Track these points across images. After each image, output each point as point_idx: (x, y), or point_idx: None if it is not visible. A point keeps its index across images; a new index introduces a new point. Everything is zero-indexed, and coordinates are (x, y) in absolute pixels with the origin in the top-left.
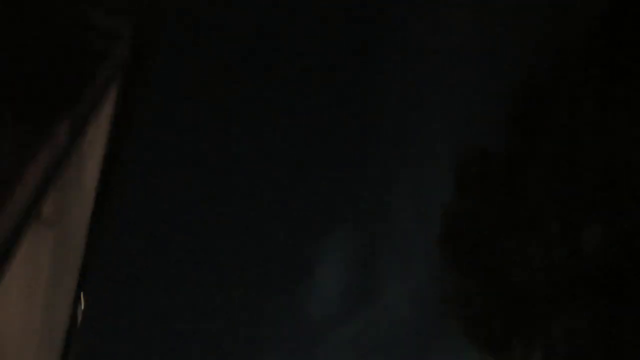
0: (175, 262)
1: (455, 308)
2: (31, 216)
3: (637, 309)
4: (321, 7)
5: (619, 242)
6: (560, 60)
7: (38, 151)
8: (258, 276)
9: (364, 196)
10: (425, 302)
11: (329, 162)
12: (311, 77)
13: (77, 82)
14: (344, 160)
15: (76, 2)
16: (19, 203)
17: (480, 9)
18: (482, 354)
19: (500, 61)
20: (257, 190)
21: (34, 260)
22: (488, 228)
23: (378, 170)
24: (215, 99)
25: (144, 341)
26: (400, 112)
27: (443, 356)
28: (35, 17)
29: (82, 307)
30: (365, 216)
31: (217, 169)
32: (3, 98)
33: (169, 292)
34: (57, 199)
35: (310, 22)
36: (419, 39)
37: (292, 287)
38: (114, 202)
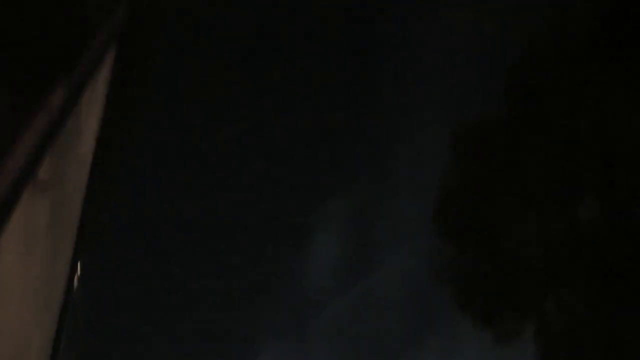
0: (171, 229)
1: (450, 280)
2: (27, 181)
3: (632, 283)
4: None
5: (616, 216)
6: (560, 30)
7: (34, 116)
8: (253, 246)
9: (360, 168)
10: (421, 275)
11: (324, 134)
12: (309, 45)
13: (73, 47)
14: (339, 132)
15: None
16: (15, 167)
17: None
18: (476, 326)
19: (501, 31)
20: (250, 161)
21: (30, 225)
22: (484, 201)
23: (375, 142)
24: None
25: (140, 306)
26: (398, 83)
27: (438, 328)
28: None
29: (79, 272)
30: (361, 188)
31: (214, 134)
32: None
33: (165, 258)
34: (53, 163)
35: None
36: (419, 11)
37: (286, 259)
38: (111, 167)
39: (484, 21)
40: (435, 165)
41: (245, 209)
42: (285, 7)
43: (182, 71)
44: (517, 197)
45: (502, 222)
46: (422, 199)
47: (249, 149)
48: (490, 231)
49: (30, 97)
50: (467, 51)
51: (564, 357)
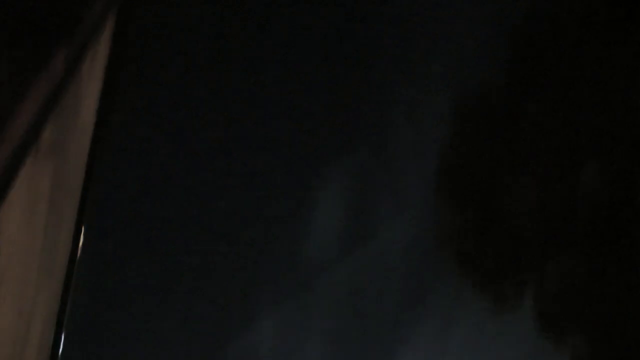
0: (173, 195)
1: (450, 248)
2: (29, 147)
3: (631, 249)
4: None
5: (617, 183)
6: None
7: (35, 79)
8: (250, 212)
9: (359, 135)
10: (421, 243)
11: (323, 101)
12: (308, 10)
13: (74, 11)
14: (338, 99)
15: None
16: (17, 134)
17: None
18: (475, 292)
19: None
20: (249, 128)
21: (33, 192)
22: (485, 166)
23: (374, 109)
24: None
25: (142, 272)
26: (398, 48)
27: (437, 295)
28: None
29: (82, 239)
30: (361, 155)
31: (215, 98)
32: None
33: (167, 223)
34: (55, 130)
35: None
36: None
37: (285, 226)
38: (113, 134)
39: None
40: (437, 133)
41: (243, 175)
42: None
43: (186, 34)
44: (517, 164)
45: (503, 189)
46: (423, 167)
47: (248, 116)
48: (491, 198)
49: (31, 63)
50: (469, 19)
51: (564, 323)
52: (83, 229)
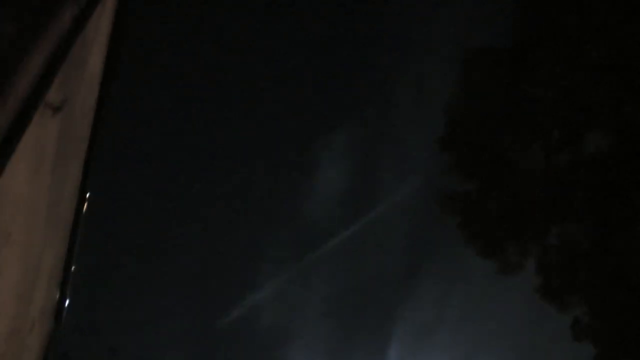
0: (179, 153)
1: (454, 212)
2: (38, 100)
3: (634, 217)
4: None
5: (622, 148)
6: None
7: (43, 35)
8: (256, 177)
9: (365, 99)
10: (424, 207)
11: (330, 63)
12: None
13: None
14: (345, 61)
15: None
16: (26, 88)
17: None
18: (477, 258)
19: None
20: (256, 92)
21: (41, 146)
22: (491, 132)
23: (380, 72)
24: None
25: (147, 232)
26: (404, 10)
27: (440, 260)
28: None
29: (88, 194)
30: (367, 119)
31: (221, 57)
32: None
33: (170, 179)
34: (62, 85)
35: None
36: None
37: (289, 190)
38: (118, 89)
39: None
40: (441, 97)
41: (249, 138)
42: None
43: None
44: (523, 128)
45: (508, 153)
46: (427, 132)
47: (256, 79)
48: (496, 162)
49: (39, 18)
50: None
51: (564, 288)
52: (88, 184)
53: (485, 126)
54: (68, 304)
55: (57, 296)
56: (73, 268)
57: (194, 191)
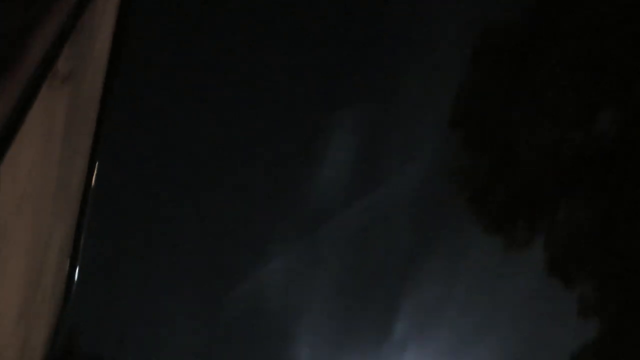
0: (188, 132)
1: (462, 189)
2: (45, 75)
3: None
4: None
5: (634, 129)
6: None
7: (51, 7)
8: (262, 155)
9: (371, 78)
10: (431, 186)
11: (338, 45)
12: None
13: None
14: (351, 41)
15: None
16: (32, 61)
17: None
18: (485, 236)
19: None
20: (260, 70)
21: (49, 120)
22: (498, 111)
23: (387, 51)
24: None
25: (156, 206)
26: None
27: (447, 238)
28: None
29: (97, 167)
30: (373, 98)
31: (227, 39)
32: None
33: (182, 160)
34: (70, 58)
35: None
36: None
37: (296, 168)
38: (128, 63)
39: None
40: (451, 75)
41: (255, 118)
42: None
43: None
44: (534, 106)
45: (518, 131)
46: (435, 110)
47: (258, 58)
48: (506, 140)
49: None
50: None
51: (572, 268)
52: (97, 161)
53: (495, 106)
54: (79, 275)
55: (68, 268)
56: (83, 241)
57: (205, 166)
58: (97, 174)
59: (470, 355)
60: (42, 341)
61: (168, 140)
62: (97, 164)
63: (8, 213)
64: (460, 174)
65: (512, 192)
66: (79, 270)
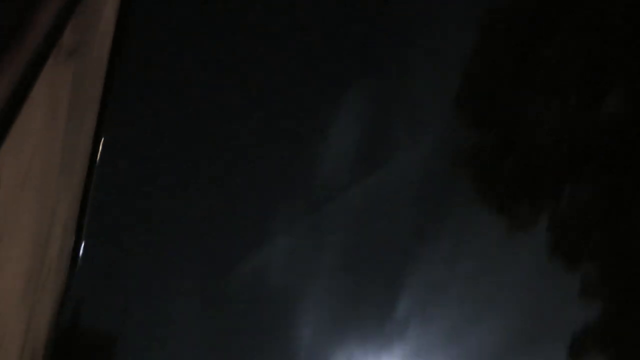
0: (193, 105)
1: (468, 170)
2: (50, 49)
3: None
4: None
5: (638, 109)
6: None
7: None
8: (268, 133)
9: (378, 57)
10: (437, 166)
11: (345, 21)
12: None
13: None
14: (360, 19)
15: None
16: (37, 35)
17: None
18: (490, 215)
19: None
20: (267, 50)
21: (54, 94)
22: (508, 89)
23: (394, 30)
24: None
25: (161, 179)
26: None
27: (451, 219)
28: None
29: (102, 145)
30: (380, 76)
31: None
32: None
33: (187, 139)
34: (76, 31)
35: None
36: None
37: (301, 146)
38: (133, 38)
39: None
40: (458, 54)
41: (260, 97)
42: None
43: None
44: (542, 86)
45: (525, 111)
46: (442, 89)
47: (266, 38)
48: (512, 119)
49: None
50: None
51: (575, 250)
52: (102, 137)
53: (502, 84)
54: (84, 249)
55: (73, 241)
56: (87, 216)
57: (210, 144)
58: (102, 150)
59: (473, 335)
60: (47, 315)
61: (173, 117)
62: (102, 140)
63: (13, 188)
64: (466, 153)
65: (517, 173)
66: (83, 246)
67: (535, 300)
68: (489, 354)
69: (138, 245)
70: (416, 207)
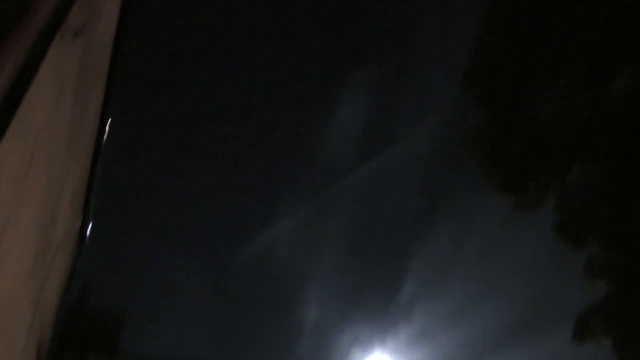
0: (199, 86)
1: (474, 147)
2: (55, 28)
3: None
4: None
5: None
6: None
7: None
8: (275, 112)
9: (386, 38)
10: (442, 147)
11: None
12: None
13: None
14: (364, 10)
15: None
16: (43, 14)
17: None
18: (497, 195)
19: None
20: (275, 29)
21: (62, 69)
22: (516, 67)
23: (403, 11)
24: None
25: (167, 160)
26: None
27: (456, 199)
28: None
29: (109, 125)
30: (389, 56)
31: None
32: None
33: (191, 113)
34: (82, 11)
35: None
36: None
37: (308, 127)
38: (139, 18)
39: None
40: (464, 34)
41: (268, 77)
42: None
43: None
44: (550, 63)
45: (533, 88)
46: (449, 68)
47: (274, 17)
48: (520, 97)
49: None
50: None
51: (581, 231)
52: (108, 114)
53: (509, 65)
54: (91, 229)
55: (80, 221)
56: (95, 194)
57: (215, 123)
58: (109, 129)
59: (478, 314)
60: (55, 293)
61: (181, 98)
62: (109, 119)
63: (20, 168)
64: (472, 133)
65: (524, 153)
66: (91, 224)
67: (540, 281)
68: (494, 335)
69: (145, 225)
70: (421, 188)
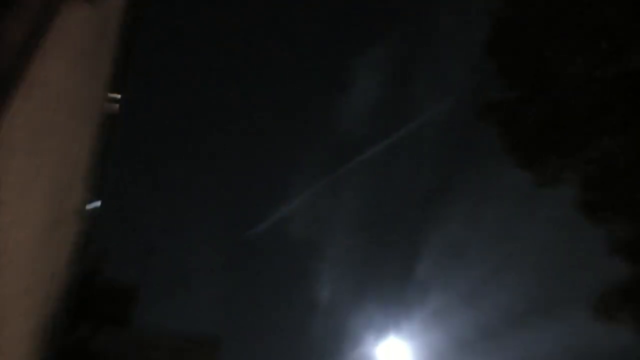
0: (217, 57)
1: (494, 121)
2: None
3: None
4: None
5: None
6: None
7: None
8: (293, 88)
9: (403, 14)
10: (460, 123)
11: None
12: None
13: None
14: None
15: None
16: None
17: None
18: (517, 168)
19: None
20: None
21: (76, 38)
22: (536, 37)
23: None
24: None
25: (182, 134)
26: None
27: (473, 177)
28: None
29: (122, 95)
30: (406, 29)
31: None
32: None
33: (204, 84)
34: None
35: None
36: None
37: (325, 103)
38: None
39: None
40: (484, 4)
41: (284, 52)
42: None
43: None
44: (569, 40)
45: (553, 64)
46: (466, 47)
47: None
48: (540, 72)
49: None
50: None
51: (603, 207)
52: (120, 84)
53: (529, 35)
54: (105, 202)
55: (93, 193)
56: (107, 168)
57: (230, 99)
58: (121, 99)
59: (493, 296)
60: (70, 264)
61: (196, 68)
62: (119, 90)
63: (32, 137)
64: (491, 106)
65: (543, 126)
66: (106, 197)
67: (556, 261)
68: (509, 317)
69: (161, 199)
70: (437, 166)
